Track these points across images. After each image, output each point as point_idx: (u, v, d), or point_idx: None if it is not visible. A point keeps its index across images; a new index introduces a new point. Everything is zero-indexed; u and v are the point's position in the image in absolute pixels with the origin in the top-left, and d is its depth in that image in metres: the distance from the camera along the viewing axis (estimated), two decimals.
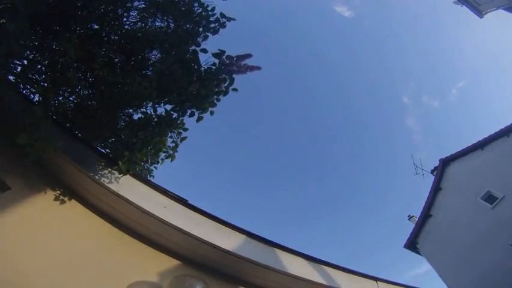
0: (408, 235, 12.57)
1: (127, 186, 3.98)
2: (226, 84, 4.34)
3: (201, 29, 4.38)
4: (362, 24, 33.54)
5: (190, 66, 4.23)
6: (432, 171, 12.75)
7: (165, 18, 4.42)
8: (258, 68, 4.32)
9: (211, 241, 4.00)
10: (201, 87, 4.14)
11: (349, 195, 39.26)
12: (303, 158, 37.35)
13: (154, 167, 4.82)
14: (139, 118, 4.21)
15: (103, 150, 4.53)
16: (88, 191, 3.77)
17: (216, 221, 4.65)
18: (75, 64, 3.65)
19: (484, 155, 10.96)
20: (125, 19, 4.35)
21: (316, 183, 38.09)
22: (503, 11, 9.06)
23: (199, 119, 4.33)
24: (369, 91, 35.58)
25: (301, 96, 35.50)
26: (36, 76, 4.05)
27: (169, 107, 4.24)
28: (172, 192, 4.69)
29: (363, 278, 5.83)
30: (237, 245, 4.42)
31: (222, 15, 4.34)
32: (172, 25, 4.43)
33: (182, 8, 4.27)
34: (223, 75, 4.30)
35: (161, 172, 5.05)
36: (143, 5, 4.36)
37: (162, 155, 4.46)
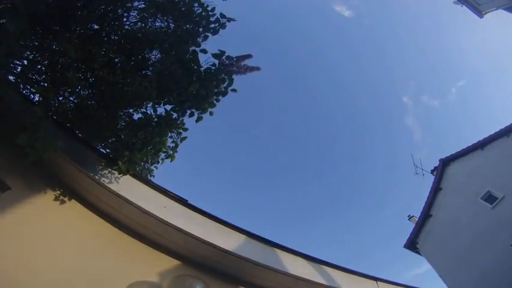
0: (408, 235, 12.57)
1: (127, 186, 3.98)
2: (225, 85, 4.35)
3: (200, 29, 4.38)
4: (361, 24, 33.57)
5: (190, 67, 4.23)
6: (432, 171, 12.75)
7: (165, 18, 4.43)
8: (258, 68, 4.33)
9: (211, 241, 4.01)
10: (200, 87, 4.15)
11: (349, 195, 39.28)
12: (303, 158, 37.38)
13: (154, 167, 4.82)
14: (139, 118, 4.21)
15: (103, 150, 4.54)
16: (88, 191, 3.78)
17: (216, 221, 4.66)
18: (75, 64, 3.65)
19: (484, 155, 10.96)
20: (125, 19, 4.35)
21: (316, 183, 38.11)
22: (503, 11, 9.06)
23: (199, 119, 4.33)
24: (369, 91, 35.61)
25: (301, 96, 35.53)
26: (36, 76, 4.05)
27: (169, 107, 4.25)
28: (172, 192, 4.69)
29: (363, 278, 5.83)
30: (237, 245, 4.42)
31: (222, 15, 4.34)
32: (172, 25, 4.43)
33: (182, 8, 4.27)
34: (223, 76, 4.30)
35: (161, 172, 5.06)
36: (143, 5, 4.36)
37: (162, 155, 4.47)
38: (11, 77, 3.71)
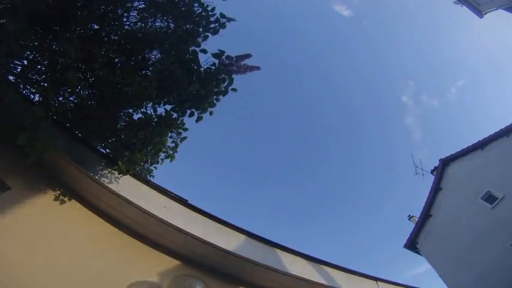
0: (408, 235, 12.57)
1: (127, 186, 3.98)
2: (225, 84, 4.35)
3: (200, 29, 4.38)
4: (360, 23, 33.54)
5: (190, 67, 4.23)
6: (432, 171, 12.74)
7: (165, 18, 4.43)
8: (258, 68, 4.33)
9: (211, 241, 4.01)
10: (200, 87, 4.15)
11: (348, 195, 39.28)
12: (303, 157, 37.38)
13: (154, 167, 4.82)
14: (139, 118, 4.21)
15: (103, 150, 4.54)
16: (88, 191, 3.78)
17: (216, 221, 4.66)
18: (75, 64, 3.65)
19: (484, 155, 10.96)
20: (125, 19, 4.35)
21: (315, 182, 38.12)
22: (503, 11, 9.06)
23: (199, 119, 4.33)
24: (368, 90, 35.61)
25: (300, 95, 35.52)
26: (36, 76, 4.05)
27: (169, 107, 4.25)
28: (172, 192, 4.69)
29: (363, 278, 5.84)
30: (237, 245, 4.43)
31: (222, 15, 4.34)
32: (172, 25, 4.44)
33: (182, 8, 4.27)
34: (223, 76, 4.31)
35: (161, 172, 5.05)
36: (143, 5, 4.36)
37: (162, 155, 4.47)
38: (11, 77, 3.71)
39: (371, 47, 33.36)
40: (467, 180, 11.23)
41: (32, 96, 4.10)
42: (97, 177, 3.79)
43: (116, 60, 4.08)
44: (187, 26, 4.37)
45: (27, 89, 4.09)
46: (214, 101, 4.35)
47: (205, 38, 4.39)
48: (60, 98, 4.11)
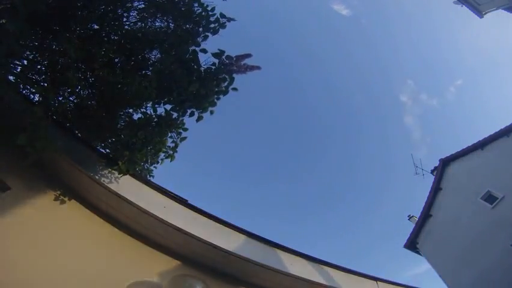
0: (408, 235, 12.58)
1: (127, 186, 3.98)
2: (226, 84, 4.35)
3: (200, 29, 4.38)
4: (359, 23, 33.55)
5: (189, 66, 4.23)
6: (432, 171, 12.74)
7: (165, 18, 4.43)
8: (258, 67, 4.33)
9: (211, 241, 4.01)
10: (200, 87, 4.15)
11: (348, 194, 39.28)
12: (303, 157, 37.39)
13: (154, 167, 4.82)
14: (139, 118, 4.21)
15: (103, 150, 4.54)
16: (88, 191, 3.78)
17: (216, 221, 4.66)
18: (75, 64, 3.65)
19: (484, 155, 10.96)
20: (125, 19, 4.35)
21: (316, 182, 38.12)
22: (503, 11, 9.07)
23: (199, 118, 4.33)
24: (367, 89, 35.61)
25: (299, 95, 35.51)
26: (36, 76, 4.05)
27: (169, 107, 4.25)
28: (172, 192, 4.69)
29: (363, 278, 5.83)
30: (237, 245, 4.42)
31: (222, 15, 4.35)
32: (172, 25, 4.44)
33: (182, 8, 4.27)
34: (223, 75, 4.31)
35: (161, 172, 5.05)
36: (143, 5, 4.36)
37: (162, 155, 4.47)
38: (11, 77, 3.71)
39: (369, 46, 33.37)
40: (467, 180, 11.24)
41: (32, 96, 4.10)
42: (97, 177, 3.79)
43: (116, 60, 4.08)
44: (187, 26, 4.37)
45: (27, 89, 4.09)
46: (215, 100, 4.35)
47: (205, 37, 4.40)
48: (60, 98, 4.11)
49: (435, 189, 12.08)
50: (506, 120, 10.80)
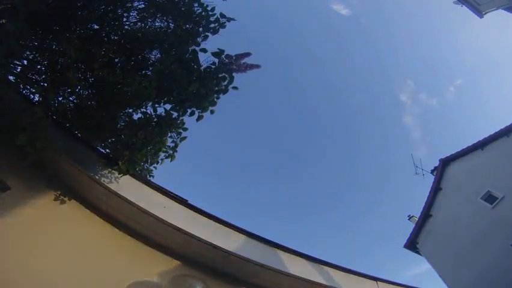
0: (408, 235, 12.57)
1: (127, 186, 3.98)
2: (225, 83, 4.35)
3: (200, 29, 4.38)
4: (358, 22, 33.55)
5: (189, 66, 4.23)
6: (432, 171, 12.74)
7: (165, 18, 4.43)
8: (258, 66, 4.33)
9: (211, 241, 4.01)
10: (200, 86, 4.15)
11: (348, 194, 39.27)
12: (303, 156, 37.39)
13: (154, 167, 4.83)
14: (139, 118, 4.22)
15: (103, 150, 4.54)
16: (88, 191, 3.78)
17: (216, 221, 4.66)
18: (75, 64, 3.65)
19: (484, 155, 10.96)
20: (125, 19, 4.35)
21: (315, 182, 38.12)
22: (503, 11, 9.07)
23: (199, 118, 4.33)
24: (367, 89, 35.61)
25: (299, 94, 35.51)
26: (36, 76, 4.05)
27: (168, 106, 4.25)
28: (172, 192, 4.69)
29: (363, 278, 5.83)
30: (237, 245, 4.42)
31: (222, 15, 4.35)
32: (172, 25, 4.44)
33: (182, 8, 4.28)
34: (223, 74, 4.31)
35: (161, 172, 5.05)
36: (143, 5, 4.37)
37: (162, 155, 4.47)
38: (11, 77, 3.71)
39: (369, 46, 33.35)
40: (467, 180, 11.24)
41: (32, 96, 4.11)
42: (97, 177, 3.79)
43: (116, 60, 4.09)
44: (187, 26, 4.37)
45: (27, 89, 4.09)
46: (215, 99, 4.35)
47: (205, 37, 4.40)
48: (60, 98, 4.12)
49: (435, 189, 12.08)
50: (506, 120, 10.81)
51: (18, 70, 3.84)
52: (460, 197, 11.25)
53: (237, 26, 4.56)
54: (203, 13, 4.33)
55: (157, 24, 4.49)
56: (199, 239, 3.94)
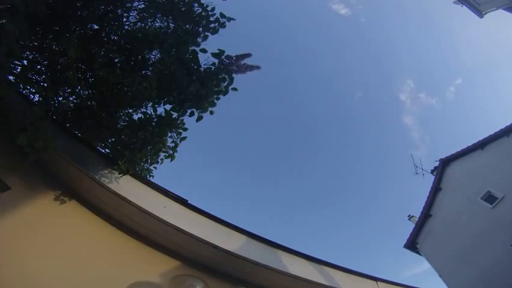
0: (408, 235, 12.58)
1: (127, 186, 3.98)
2: (225, 84, 4.35)
3: (200, 29, 4.39)
4: (358, 22, 33.56)
5: (189, 66, 4.24)
6: (432, 171, 12.75)
7: (165, 18, 4.43)
8: (258, 67, 4.34)
9: (211, 241, 4.01)
10: (200, 86, 4.16)
11: (348, 194, 39.27)
12: (303, 156, 37.38)
13: (154, 167, 4.83)
14: (139, 118, 4.22)
15: (103, 150, 4.54)
16: (88, 191, 3.77)
17: (216, 221, 4.65)
18: (75, 64, 3.65)
19: (484, 155, 10.96)
20: (125, 19, 4.36)
21: (315, 182, 38.11)
22: (503, 11, 9.07)
23: (199, 118, 4.34)
24: (366, 89, 35.59)
25: (299, 94, 35.51)
26: (36, 76, 4.05)
27: (168, 107, 4.26)
28: (172, 192, 4.69)
29: (363, 278, 5.83)
30: (237, 245, 4.42)
31: (222, 15, 4.35)
32: (172, 25, 4.44)
33: (182, 8, 4.28)
34: (223, 75, 4.31)
35: (161, 172, 5.06)
36: (143, 5, 4.37)
37: (162, 155, 4.48)
38: (11, 77, 3.71)
39: (369, 46, 33.37)
40: (467, 180, 11.24)
41: (32, 96, 4.11)
42: (97, 177, 3.78)
43: (116, 60, 4.09)
44: (187, 26, 4.38)
45: (27, 89, 4.09)
46: (215, 100, 4.36)
47: (205, 37, 4.40)
48: (60, 98, 4.12)
49: (435, 189, 12.09)
50: (506, 120, 10.82)
51: (18, 70, 3.84)
52: (460, 197, 11.26)
53: (237, 26, 4.57)
54: (203, 13, 4.33)
55: (157, 24, 4.50)
56: (199, 239, 3.94)
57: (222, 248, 4.04)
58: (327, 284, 4.84)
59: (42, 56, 4.04)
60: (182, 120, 4.35)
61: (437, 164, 12.43)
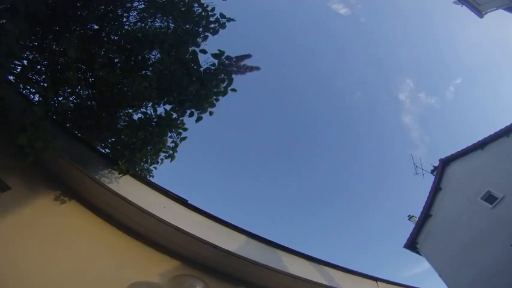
0: (408, 235, 12.58)
1: (127, 186, 3.98)
2: (225, 85, 4.35)
3: (200, 29, 4.39)
4: (357, 22, 33.60)
5: (189, 67, 4.24)
6: (432, 171, 12.75)
7: (165, 18, 4.43)
8: (257, 68, 4.34)
9: (211, 241, 4.01)
10: (200, 87, 4.16)
11: (348, 194, 39.27)
12: (302, 156, 37.38)
13: (154, 167, 4.83)
14: (139, 118, 4.22)
15: (103, 151, 4.54)
16: (88, 191, 3.77)
17: (216, 221, 4.65)
18: (75, 64, 3.65)
19: (484, 155, 10.96)
20: (125, 19, 4.36)
21: (315, 182, 38.11)
22: (503, 11, 9.07)
23: (198, 119, 4.34)
24: (366, 88, 35.59)
25: (298, 94, 35.52)
26: (36, 76, 4.05)
27: (168, 107, 4.26)
28: (172, 192, 4.69)
29: (363, 278, 5.83)
30: (237, 245, 4.42)
31: (222, 15, 4.35)
32: (172, 25, 4.44)
33: (182, 8, 4.28)
34: (222, 76, 4.31)
35: (161, 172, 5.06)
36: (143, 5, 4.37)
37: (162, 155, 4.48)
38: (11, 77, 3.71)
39: (368, 45, 33.38)
40: (467, 180, 11.24)
41: (32, 96, 4.11)
42: (97, 177, 3.78)
43: (116, 60, 4.09)
44: (187, 26, 4.38)
45: (27, 89, 4.09)
46: (214, 101, 4.36)
47: (205, 38, 4.40)
48: (60, 98, 4.12)
49: (435, 189, 12.10)
50: (506, 120, 10.82)
51: (18, 70, 3.84)
52: (460, 197, 11.26)
53: (237, 26, 4.57)
54: (203, 13, 4.33)
55: (157, 24, 4.50)
56: (199, 239, 3.94)
57: (222, 248, 4.04)
58: (327, 284, 4.84)
59: (42, 56, 4.04)
60: (182, 120, 4.35)
61: (437, 164, 12.43)
